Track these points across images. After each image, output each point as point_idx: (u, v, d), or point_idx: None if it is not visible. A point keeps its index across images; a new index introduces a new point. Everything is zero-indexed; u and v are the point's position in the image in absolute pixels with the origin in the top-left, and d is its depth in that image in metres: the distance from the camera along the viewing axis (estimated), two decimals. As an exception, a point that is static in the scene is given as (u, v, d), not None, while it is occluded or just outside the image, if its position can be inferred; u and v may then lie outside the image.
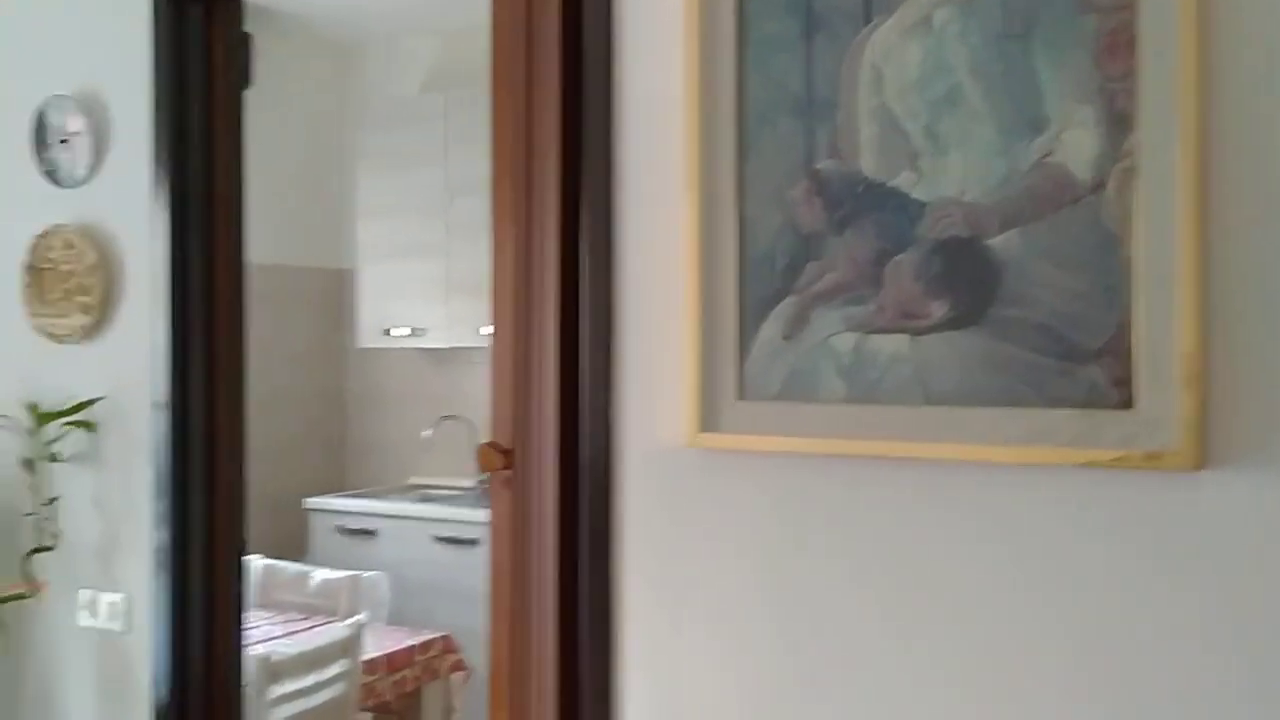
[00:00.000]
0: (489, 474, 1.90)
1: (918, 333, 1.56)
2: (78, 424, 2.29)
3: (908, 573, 1.56)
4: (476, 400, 4.85)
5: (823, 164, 1.64)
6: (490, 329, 1.92)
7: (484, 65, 1.96)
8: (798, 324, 1.64)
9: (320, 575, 3.51)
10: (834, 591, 1.62)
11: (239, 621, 2.39)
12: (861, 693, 1.60)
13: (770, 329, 1.66)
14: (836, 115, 1.63)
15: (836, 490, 1.62)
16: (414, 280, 4.81)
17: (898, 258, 1.58)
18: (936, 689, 1.54)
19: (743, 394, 1.67)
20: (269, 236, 4.54)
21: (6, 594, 2.25)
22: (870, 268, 1.60)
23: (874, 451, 1.58)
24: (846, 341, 1.61)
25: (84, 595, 2.32)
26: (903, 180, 1.58)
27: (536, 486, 1.85)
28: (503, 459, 1.88)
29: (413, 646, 3.24)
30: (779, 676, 1.66)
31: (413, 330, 4.81)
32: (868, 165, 1.61)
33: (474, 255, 4.55)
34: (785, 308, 1.64)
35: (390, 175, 4.79)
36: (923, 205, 1.57)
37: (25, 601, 2.27)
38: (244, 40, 2.38)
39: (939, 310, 1.55)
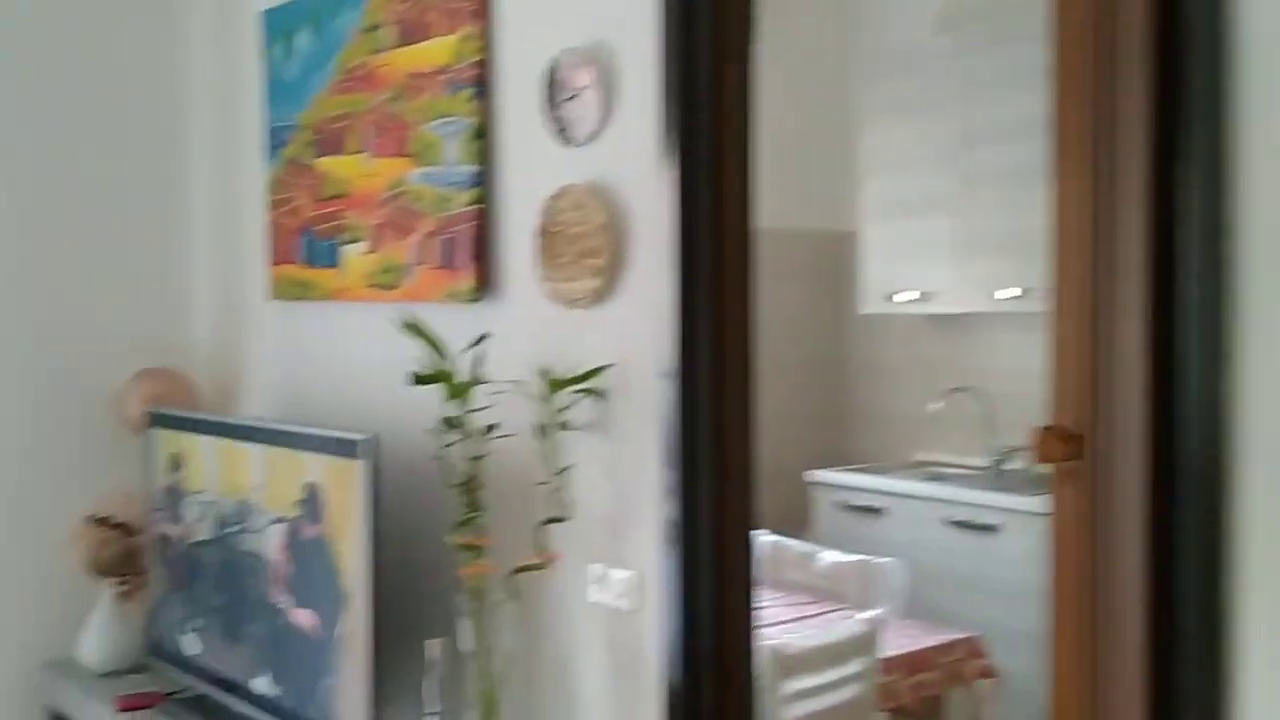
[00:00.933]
0: (1050, 465, 1.53)
1: None
2: (588, 391, 2.20)
3: None
4: (990, 371, 4.45)
5: None
6: (1045, 291, 1.57)
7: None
8: None
9: (829, 557, 3.29)
10: None
11: (749, 604, 2.22)
12: None
13: None
14: None
15: None
16: (921, 240, 4.47)
17: None
18: None
19: None
20: (765, 199, 4.40)
21: (522, 564, 2.21)
22: None
23: None
24: None
25: (594, 569, 2.24)
26: None
27: (1117, 484, 1.46)
28: (1068, 448, 1.50)
29: (934, 647, 2.92)
30: None
31: (920, 294, 4.47)
32: None
33: (992, 210, 4.14)
34: None
35: (897, 127, 4.46)
36: None
37: (538, 572, 2.22)
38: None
39: None
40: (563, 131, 2.29)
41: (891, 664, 2.79)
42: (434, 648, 2.25)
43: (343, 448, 2.36)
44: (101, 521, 3.07)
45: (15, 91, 3.08)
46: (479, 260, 2.47)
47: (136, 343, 3.24)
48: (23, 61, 3.10)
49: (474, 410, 2.22)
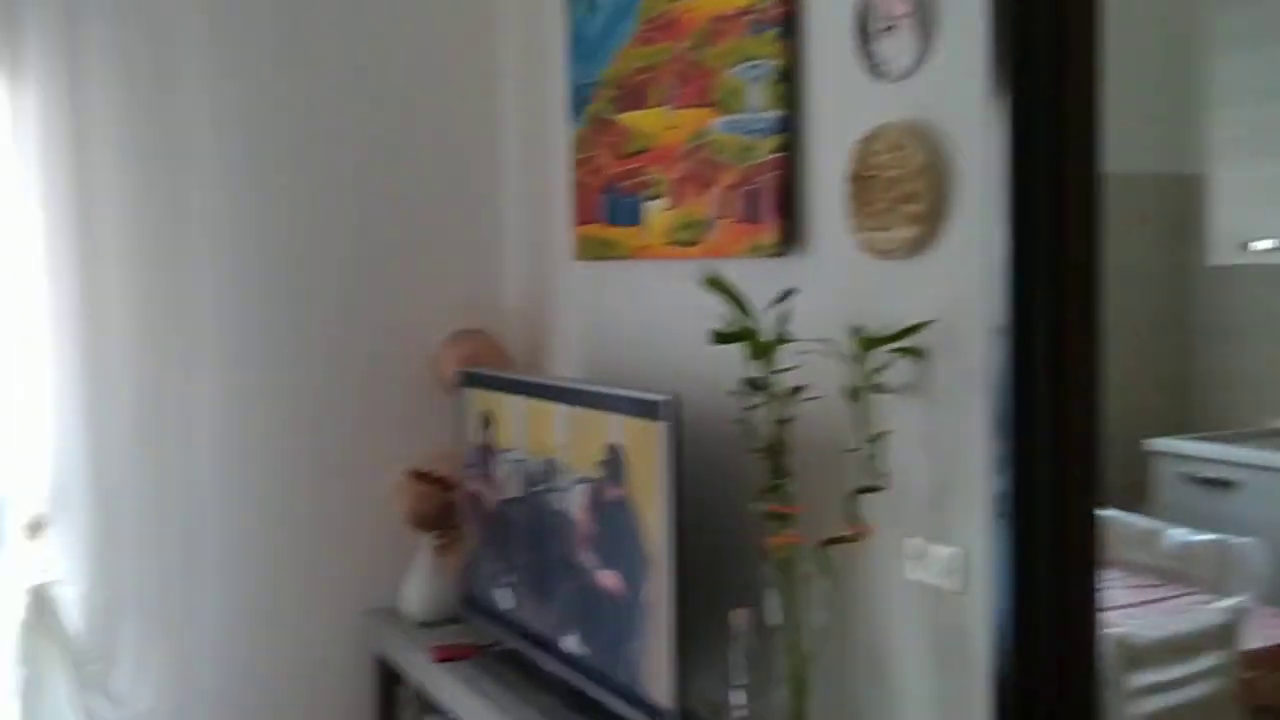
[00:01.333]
0: None
1: None
2: (905, 351, 2.02)
3: None
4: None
5: None
6: None
7: None
8: None
9: (1177, 536, 2.95)
10: None
11: (1093, 588, 1.98)
12: None
13: None
14: None
15: None
16: (1284, 181, 3.95)
17: None
18: None
19: None
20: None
21: (833, 536, 2.06)
22: None
23: None
24: None
25: (911, 544, 2.07)
26: None
27: None
28: None
29: (1301, 640, 2.56)
30: None
31: (1281, 243, 3.96)
32: None
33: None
34: None
35: (1256, 54, 3.95)
36: None
37: (850, 545, 2.07)
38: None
39: None
40: (876, 67, 2.10)
41: (1254, 658, 2.45)
42: (740, 618, 2.15)
43: (644, 409, 2.29)
44: (422, 476, 3.17)
45: (345, 66, 3.20)
46: (783, 211, 2.33)
47: (453, 306, 3.33)
48: (350, 36, 3.21)
49: (779, 371, 2.09)
